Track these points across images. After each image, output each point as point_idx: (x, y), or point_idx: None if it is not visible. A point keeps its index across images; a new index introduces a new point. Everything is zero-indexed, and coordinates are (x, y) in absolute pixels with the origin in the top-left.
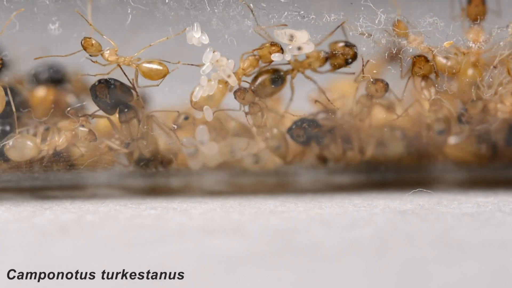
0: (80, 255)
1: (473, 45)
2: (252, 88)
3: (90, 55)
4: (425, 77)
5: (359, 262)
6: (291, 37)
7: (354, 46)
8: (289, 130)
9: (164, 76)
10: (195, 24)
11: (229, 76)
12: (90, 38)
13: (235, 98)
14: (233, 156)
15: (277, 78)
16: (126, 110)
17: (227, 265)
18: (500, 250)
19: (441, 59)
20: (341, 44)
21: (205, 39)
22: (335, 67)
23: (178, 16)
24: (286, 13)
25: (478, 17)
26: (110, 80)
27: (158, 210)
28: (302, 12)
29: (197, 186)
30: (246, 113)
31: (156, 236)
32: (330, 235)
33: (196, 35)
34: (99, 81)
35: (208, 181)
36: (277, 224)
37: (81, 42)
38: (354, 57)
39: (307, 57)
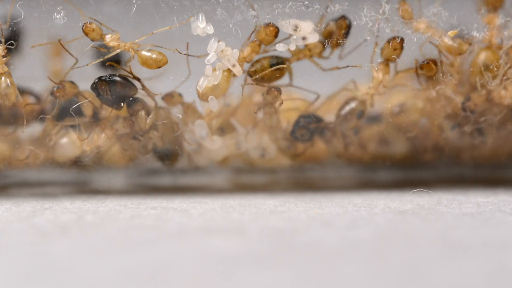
0: (80, 255)
1: (486, 31)
2: (251, 70)
3: (92, 40)
4: (429, 77)
5: (359, 262)
6: (296, 27)
7: (343, 16)
8: (293, 132)
9: (162, 65)
10: (200, 15)
11: (234, 65)
12: (90, 23)
13: (268, 93)
14: (238, 148)
15: (277, 63)
16: (132, 103)
17: (227, 265)
18: (500, 250)
19: (448, 41)
20: (332, 23)
21: (210, 29)
22: (336, 45)
23: (182, 6)
24: (290, 3)
25: (495, 6)
26: (109, 76)
27: (158, 210)
28: (307, 2)
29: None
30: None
31: (156, 236)
32: (330, 235)
33: (201, 25)
34: (99, 78)
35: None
36: (277, 224)
37: (82, 28)
38: (349, 27)
39: (306, 45)
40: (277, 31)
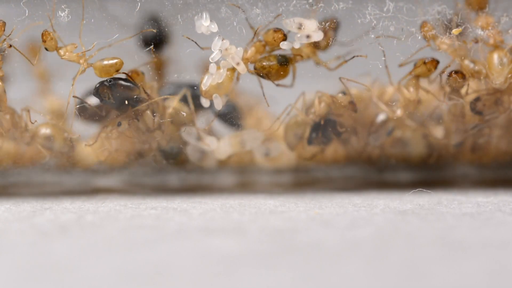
0: (80, 255)
1: (483, 32)
2: (258, 65)
3: (46, 48)
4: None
5: (359, 262)
6: (300, 26)
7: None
8: (309, 141)
9: (120, 68)
10: (204, 13)
11: (238, 63)
12: (50, 32)
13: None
14: (243, 147)
15: (284, 59)
16: (136, 104)
17: (227, 265)
18: (500, 250)
19: (468, 63)
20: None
21: (214, 28)
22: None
23: (186, 4)
24: (294, 1)
25: (479, 7)
26: (109, 80)
27: (158, 210)
28: (311, 0)
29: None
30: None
31: (156, 236)
32: (330, 235)
33: (205, 24)
34: (100, 83)
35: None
36: (277, 224)
37: (41, 34)
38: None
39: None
40: (284, 39)
